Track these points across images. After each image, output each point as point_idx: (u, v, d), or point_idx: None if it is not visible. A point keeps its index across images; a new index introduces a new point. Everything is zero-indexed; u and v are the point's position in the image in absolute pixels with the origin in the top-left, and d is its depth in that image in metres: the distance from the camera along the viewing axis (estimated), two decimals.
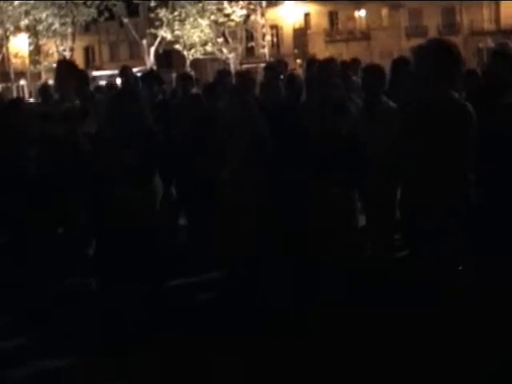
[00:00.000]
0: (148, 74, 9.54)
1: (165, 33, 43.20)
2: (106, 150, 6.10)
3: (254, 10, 45.53)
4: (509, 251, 6.01)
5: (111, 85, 10.08)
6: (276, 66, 8.83)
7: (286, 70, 9.18)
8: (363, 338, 5.23)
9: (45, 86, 9.46)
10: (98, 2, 42.65)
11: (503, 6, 54.14)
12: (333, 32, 57.96)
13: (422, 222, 4.78)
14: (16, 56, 47.44)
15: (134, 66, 32.25)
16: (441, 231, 4.71)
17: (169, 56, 47.51)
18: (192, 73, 8.95)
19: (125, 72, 9.97)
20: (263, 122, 6.63)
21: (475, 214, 5.13)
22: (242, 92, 7.10)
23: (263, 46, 48.77)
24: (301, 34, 57.02)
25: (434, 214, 4.70)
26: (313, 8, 57.03)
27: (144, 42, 44.97)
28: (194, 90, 8.75)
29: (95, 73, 44.91)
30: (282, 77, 8.03)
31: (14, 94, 39.38)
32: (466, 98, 5.19)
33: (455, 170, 4.70)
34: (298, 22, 57.03)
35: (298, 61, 48.20)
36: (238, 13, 42.93)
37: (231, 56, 45.04)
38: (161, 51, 45.60)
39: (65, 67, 7.09)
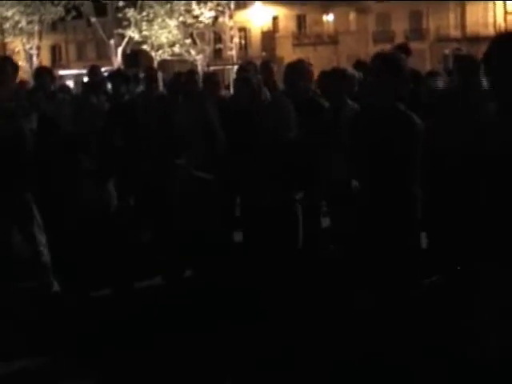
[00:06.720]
0: (115, 74, 9.55)
1: (132, 33, 42.97)
2: (62, 154, 6.22)
3: (223, 12, 45.51)
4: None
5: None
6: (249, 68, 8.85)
7: (256, 71, 9.18)
8: None
9: None
10: (65, 1, 42.36)
11: (469, 12, 54.79)
12: (301, 35, 58.18)
13: (371, 230, 4.82)
14: None
15: (102, 66, 32.09)
16: (386, 241, 4.72)
17: (136, 56, 47.34)
18: (159, 74, 8.93)
19: (94, 71, 9.96)
20: (217, 124, 6.59)
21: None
22: (196, 95, 7.09)
23: (231, 49, 48.77)
24: (269, 37, 57.15)
25: (381, 225, 4.73)
26: (281, 11, 57.19)
27: (112, 41, 44.69)
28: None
29: (62, 72, 44.57)
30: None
31: None
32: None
33: (399, 182, 4.69)
34: (266, 24, 57.16)
35: None
36: (206, 14, 42.85)
37: (199, 57, 44.96)
38: (128, 51, 45.39)
39: (5, 63, 7.05)
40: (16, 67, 6.98)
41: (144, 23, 42.54)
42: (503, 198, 3.61)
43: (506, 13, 54.20)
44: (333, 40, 57.09)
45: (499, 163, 3.64)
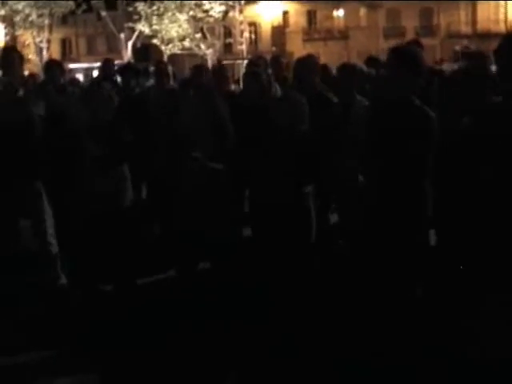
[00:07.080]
0: (125, 68, 9.55)
1: (143, 27, 43.04)
2: (71, 140, 6.27)
3: (233, 7, 45.51)
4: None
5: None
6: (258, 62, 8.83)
7: (266, 66, 9.15)
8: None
9: None
10: None
11: (480, 8, 54.61)
12: (311, 31, 58.11)
13: (379, 227, 4.80)
14: None
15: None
16: (394, 238, 4.71)
17: (146, 50, 47.36)
18: (169, 67, 8.92)
19: (107, 65, 9.98)
20: (225, 117, 6.56)
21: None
22: (205, 89, 7.08)
23: (241, 43, 48.73)
24: (279, 32, 57.11)
25: (390, 221, 4.70)
26: (291, 6, 57.15)
27: (122, 35, 44.77)
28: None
29: (72, 65, 44.69)
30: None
31: None
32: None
33: (411, 178, 4.65)
34: (277, 19, 57.12)
35: None
36: (216, 9, 42.87)
37: (209, 52, 44.97)
38: (138, 45, 45.43)
39: (12, 53, 7.07)
40: (22, 56, 7.02)
41: (154, 17, 42.60)
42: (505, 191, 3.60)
43: None
44: (343, 35, 57.00)
45: (502, 152, 3.64)
